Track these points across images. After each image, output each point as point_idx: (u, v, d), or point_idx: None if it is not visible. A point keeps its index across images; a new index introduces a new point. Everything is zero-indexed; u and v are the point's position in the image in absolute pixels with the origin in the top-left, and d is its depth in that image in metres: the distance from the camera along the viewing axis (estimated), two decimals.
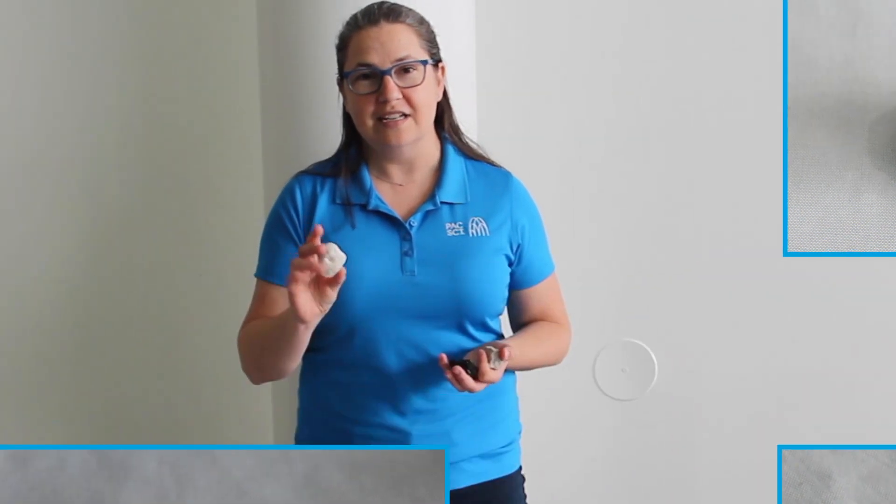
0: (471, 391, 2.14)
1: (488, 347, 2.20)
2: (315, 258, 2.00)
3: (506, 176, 2.40)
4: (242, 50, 3.19)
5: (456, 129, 2.40)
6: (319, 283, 2.05)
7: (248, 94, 3.18)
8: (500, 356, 2.18)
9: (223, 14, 3.28)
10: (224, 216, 3.34)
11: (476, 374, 2.14)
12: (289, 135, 2.77)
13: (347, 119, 2.35)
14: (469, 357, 2.18)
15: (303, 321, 2.07)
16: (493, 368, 2.16)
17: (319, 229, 2.03)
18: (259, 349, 2.26)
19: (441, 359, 2.14)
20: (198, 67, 3.31)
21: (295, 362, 2.24)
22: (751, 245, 3.21)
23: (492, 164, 2.41)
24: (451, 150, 2.36)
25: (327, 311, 2.08)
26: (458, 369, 2.12)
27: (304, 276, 2.03)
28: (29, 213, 3.34)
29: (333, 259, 2.02)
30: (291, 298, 2.04)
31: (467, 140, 2.42)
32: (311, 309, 2.06)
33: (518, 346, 2.26)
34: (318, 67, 2.65)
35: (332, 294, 2.06)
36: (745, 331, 3.24)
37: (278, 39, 2.78)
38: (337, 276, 2.03)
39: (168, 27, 3.31)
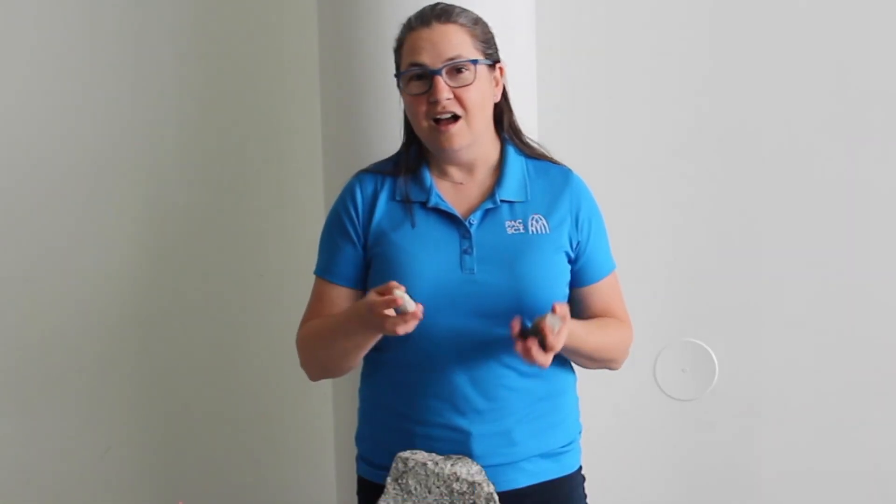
0: (541, 365, 2.12)
1: (542, 316, 2.14)
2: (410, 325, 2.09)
3: (566, 173, 2.39)
4: (302, 50, 3.21)
5: (516, 131, 2.40)
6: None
7: (308, 94, 3.20)
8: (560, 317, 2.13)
9: (284, 15, 3.30)
10: (284, 216, 3.36)
11: (543, 345, 2.11)
12: (348, 134, 2.78)
13: (407, 120, 2.36)
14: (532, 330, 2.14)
15: (394, 334, 2.12)
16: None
17: (401, 297, 2.08)
18: (324, 349, 2.29)
19: (513, 327, 2.13)
20: (258, 68, 3.34)
21: (359, 361, 2.29)
22: (807, 243, 3.20)
23: (553, 161, 2.40)
24: (510, 149, 2.36)
25: None
26: (532, 341, 2.10)
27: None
28: (90, 213, 3.39)
29: (409, 303, 2.08)
30: (389, 329, 2.10)
31: (527, 140, 2.41)
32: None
33: (579, 326, 2.24)
34: (377, 67, 2.66)
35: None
36: (807, 331, 3.21)
37: (338, 39, 2.79)
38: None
39: (229, 28, 3.34)
